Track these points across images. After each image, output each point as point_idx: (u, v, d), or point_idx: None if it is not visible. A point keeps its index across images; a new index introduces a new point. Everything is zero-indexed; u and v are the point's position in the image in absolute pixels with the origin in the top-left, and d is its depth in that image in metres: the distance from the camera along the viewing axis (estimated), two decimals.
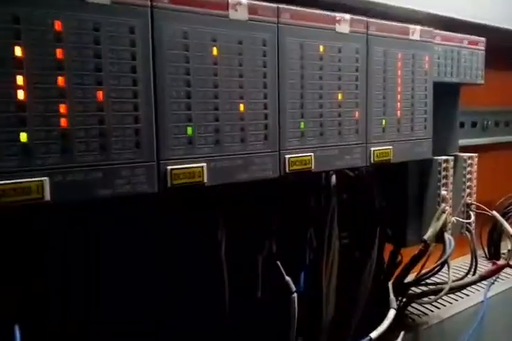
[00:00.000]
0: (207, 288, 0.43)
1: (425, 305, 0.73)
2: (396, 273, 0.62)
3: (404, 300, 0.65)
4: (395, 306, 0.45)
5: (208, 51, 0.37)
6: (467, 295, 0.78)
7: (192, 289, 0.43)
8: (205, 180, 0.37)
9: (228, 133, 0.38)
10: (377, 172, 0.61)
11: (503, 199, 0.93)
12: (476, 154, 0.63)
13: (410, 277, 0.63)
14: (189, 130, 0.36)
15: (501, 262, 0.55)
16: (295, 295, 0.39)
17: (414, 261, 0.59)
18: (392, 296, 0.46)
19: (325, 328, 0.54)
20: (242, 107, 0.39)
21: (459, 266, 0.90)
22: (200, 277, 0.43)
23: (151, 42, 0.34)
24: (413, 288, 0.67)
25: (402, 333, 0.47)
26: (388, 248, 0.61)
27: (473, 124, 0.89)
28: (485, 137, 0.91)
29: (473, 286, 0.81)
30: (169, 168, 0.35)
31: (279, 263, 0.40)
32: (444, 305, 0.74)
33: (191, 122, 0.36)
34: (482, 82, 0.61)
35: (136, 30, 0.33)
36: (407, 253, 0.62)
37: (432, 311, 0.72)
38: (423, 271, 0.59)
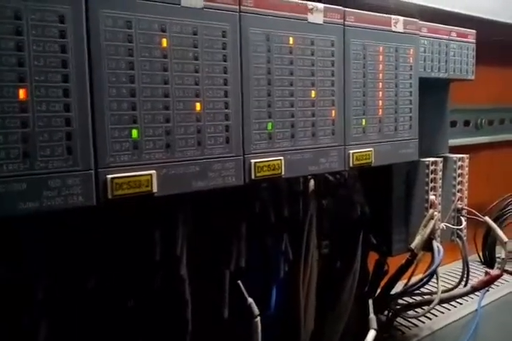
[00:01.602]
0: (167, 310, 0.39)
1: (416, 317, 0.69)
2: (382, 283, 0.58)
3: (390, 314, 0.61)
4: (375, 326, 0.41)
5: (156, 42, 0.32)
6: (460, 304, 0.74)
7: (149, 312, 0.38)
8: (155, 190, 0.33)
9: (181, 135, 0.34)
10: (360, 176, 0.57)
11: (498, 200, 0.89)
12: (467, 155, 0.58)
13: (399, 286, 0.59)
14: (134, 133, 0.32)
15: (494, 272, 0.51)
16: (258, 319, 0.35)
17: (401, 271, 0.55)
18: (372, 315, 0.42)
19: None
20: (198, 106, 0.35)
21: (451, 271, 0.86)
22: (157, 298, 0.38)
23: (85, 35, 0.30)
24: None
25: None
26: (373, 257, 0.57)
27: (466, 123, 0.85)
28: (479, 136, 0.87)
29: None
30: (109, 176, 0.31)
31: (240, 282, 0.35)
32: (436, 316, 0.70)
33: (136, 124, 0.32)
34: (472, 77, 0.57)
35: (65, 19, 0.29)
36: (395, 262, 0.58)
37: (422, 322, 0.68)
38: (411, 282, 0.55)
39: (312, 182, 0.50)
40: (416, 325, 0.67)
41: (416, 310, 0.69)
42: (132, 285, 0.38)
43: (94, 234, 0.35)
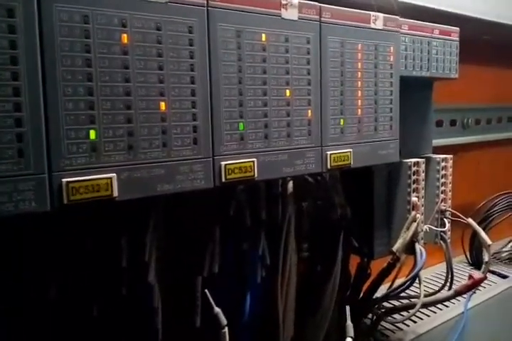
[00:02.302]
0: (136, 319, 0.37)
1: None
2: (365, 287, 0.57)
3: (374, 317, 0.60)
4: (352, 334, 0.40)
5: (116, 38, 0.31)
6: (446, 306, 0.73)
7: (116, 321, 0.37)
8: (116, 194, 0.31)
9: (145, 136, 0.32)
10: (340, 178, 0.55)
11: (485, 201, 0.88)
12: (451, 156, 0.57)
13: (383, 290, 0.58)
14: (92, 134, 0.30)
15: (477, 275, 0.50)
16: (225, 330, 0.33)
17: (383, 274, 0.54)
18: (349, 322, 0.41)
19: None
20: (163, 106, 0.33)
21: (439, 273, 0.84)
22: (124, 306, 0.37)
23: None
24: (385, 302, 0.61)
25: None
26: (355, 261, 0.55)
27: (453, 122, 0.84)
28: (465, 136, 0.85)
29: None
30: (65, 180, 0.29)
31: (207, 291, 0.34)
32: (421, 319, 0.69)
33: (95, 124, 0.30)
34: (456, 76, 0.55)
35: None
36: (378, 266, 0.56)
37: (407, 326, 0.66)
38: (394, 286, 0.53)
39: (291, 183, 0.48)
40: (400, 329, 0.65)
41: (401, 313, 0.68)
42: (97, 293, 0.36)
43: (56, 240, 0.34)
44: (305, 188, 0.52)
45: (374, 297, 0.56)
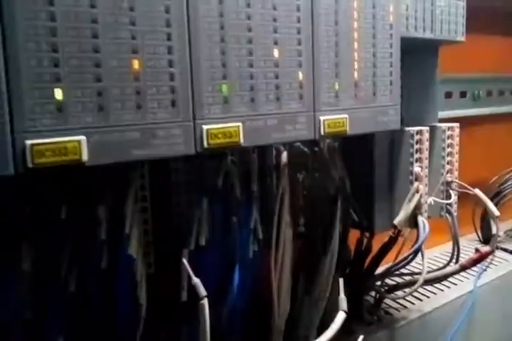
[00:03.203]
0: (118, 294, 0.36)
1: (405, 298, 0.66)
2: (366, 263, 0.54)
3: (377, 295, 0.58)
4: (345, 308, 0.38)
5: None
6: (455, 284, 0.70)
7: (97, 296, 0.35)
8: (85, 159, 0.29)
9: (117, 97, 0.30)
10: (338, 148, 0.53)
11: (497, 177, 0.85)
12: (457, 124, 0.54)
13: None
14: (58, 93, 0.28)
15: (484, 249, 0.47)
16: (205, 301, 0.31)
17: (385, 249, 0.51)
18: (342, 295, 0.38)
19: (277, 336, 0.47)
20: (136, 64, 0.31)
21: (448, 251, 0.82)
22: (106, 281, 0.35)
23: None
24: (388, 280, 0.59)
25: (361, 337, 0.40)
26: (355, 235, 0.53)
27: (463, 94, 0.80)
28: (476, 108, 0.81)
29: (461, 274, 0.73)
30: (28, 142, 0.27)
31: (185, 261, 0.32)
32: (428, 297, 0.67)
33: (60, 83, 0.28)
34: (463, 39, 0.52)
35: None
36: (381, 241, 0.54)
37: (412, 304, 0.64)
38: (396, 261, 0.51)
39: (285, 154, 0.46)
40: (405, 307, 0.63)
41: (405, 290, 0.66)
42: (74, 266, 0.34)
43: (27, 208, 0.32)
44: (301, 159, 0.50)
45: (376, 273, 0.54)
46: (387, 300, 0.64)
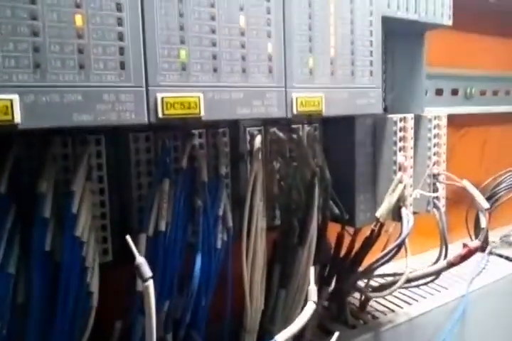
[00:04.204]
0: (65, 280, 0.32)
1: (392, 300, 0.62)
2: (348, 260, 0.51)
3: (362, 297, 0.54)
4: (315, 298, 0.34)
5: None
6: (445, 289, 0.67)
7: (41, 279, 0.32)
8: (18, 120, 0.26)
9: (56, 54, 0.27)
10: (318, 135, 0.50)
11: (491, 179, 0.81)
12: (445, 114, 0.51)
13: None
14: None
15: (473, 244, 0.44)
16: (149, 283, 0.28)
17: (367, 244, 0.48)
18: (312, 285, 0.35)
19: (252, 329, 0.43)
20: (79, 20, 0.28)
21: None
22: (51, 265, 0.32)
23: None
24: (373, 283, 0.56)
25: (336, 334, 0.36)
26: (335, 229, 0.49)
27: (454, 92, 0.77)
28: (468, 106, 0.79)
29: (453, 278, 0.69)
30: None
31: (128, 238, 0.28)
32: (416, 300, 0.63)
33: None
34: (449, 23, 0.49)
35: None
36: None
37: (400, 307, 0.61)
38: (378, 256, 0.47)
39: (259, 138, 0.43)
40: (392, 310, 0.60)
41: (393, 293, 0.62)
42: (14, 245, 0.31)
43: None
44: (278, 147, 0.47)
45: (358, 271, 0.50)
46: (373, 303, 0.61)
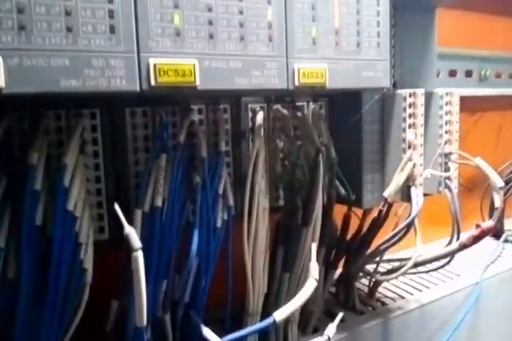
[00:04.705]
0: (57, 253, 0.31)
1: (402, 287, 0.60)
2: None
3: (371, 283, 0.52)
4: (317, 275, 0.32)
5: None
6: (458, 276, 0.64)
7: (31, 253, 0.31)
8: (2, 84, 0.25)
9: (42, 16, 0.26)
10: (324, 111, 0.48)
11: (505, 165, 0.79)
12: (458, 93, 0.49)
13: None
14: None
15: (487, 224, 0.42)
16: (138, 254, 0.27)
17: (375, 225, 0.46)
18: (314, 262, 0.33)
19: (254, 312, 0.42)
20: None
21: None
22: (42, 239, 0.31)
23: None
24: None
25: (340, 314, 0.34)
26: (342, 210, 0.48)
27: (468, 73, 0.75)
28: (482, 88, 0.76)
29: (467, 265, 0.67)
30: None
31: (116, 205, 0.27)
32: (428, 287, 0.61)
33: None
34: None
35: None
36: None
37: (410, 294, 0.59)
38: (387, 237, 0.45)
39: (261, 114, 0.41)
40: (402, 297, 0.58)
41: (402, 277, 0.60)
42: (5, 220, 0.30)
43: None
44: (282, 124, 0.45)
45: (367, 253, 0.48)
46: (382, 290, 0.59)
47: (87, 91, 0.27)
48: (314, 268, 0.33)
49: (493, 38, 0.78)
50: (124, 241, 0.27)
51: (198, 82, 0.31)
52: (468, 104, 0.73)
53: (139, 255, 0.27)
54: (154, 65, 0.29)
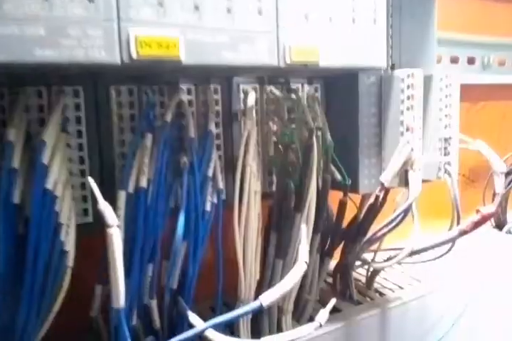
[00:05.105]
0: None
1: (401, 278, 0.59)
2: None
3: (368, 273, 0.51)
4: (306, 258, 0.31)
5: None
6: (458, 266, 0.63)
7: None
8: None
9: None
10: (321, 96, 0.47)
11: (508, 155, 0.77)
12: (456, 74, 0.47)
13: None
14: None
15: (487, 209, 0.40)
16: (113, 230, 0.25)
17: (371, 211, 0.45)
18: (304, 245, 0.32)
19: (246, 299, 0.40)
20: None
21: None
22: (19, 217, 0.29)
23: None
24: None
25: (333, 300, 0.33)
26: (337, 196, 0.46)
27: (471, 60, 0.73)
28: (485, 76, 0.74)
29: (468, 257, 0.65)
30: None
31: (90, 179, 0.26)
32: (427, 278, 0.59)
33: None
34: None
35: None
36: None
37: (409, 285, 0.57)
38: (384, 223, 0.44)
39: (253, 95, 0.40)
40: (401, 288, 0.56)
41: (401, 268, 0.59)
42: None
43: None
44: (275, 106, 0.44)
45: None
46: (380, 280, 0.57)
47: (63, 62, 0.26)
48: (304, 251, 0.31)
49: (496, 24, 0.76)
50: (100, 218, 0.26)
51: (182, 57, 0.30)
52: (471, 94, 0.72)
53: (114, 231, 0.25)
54: (135, 36, 0.28)
